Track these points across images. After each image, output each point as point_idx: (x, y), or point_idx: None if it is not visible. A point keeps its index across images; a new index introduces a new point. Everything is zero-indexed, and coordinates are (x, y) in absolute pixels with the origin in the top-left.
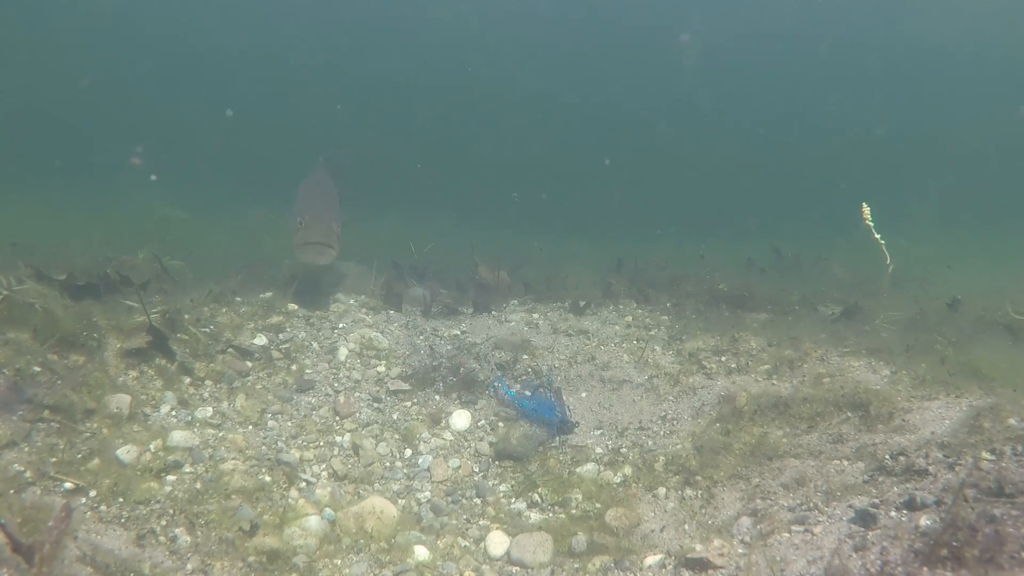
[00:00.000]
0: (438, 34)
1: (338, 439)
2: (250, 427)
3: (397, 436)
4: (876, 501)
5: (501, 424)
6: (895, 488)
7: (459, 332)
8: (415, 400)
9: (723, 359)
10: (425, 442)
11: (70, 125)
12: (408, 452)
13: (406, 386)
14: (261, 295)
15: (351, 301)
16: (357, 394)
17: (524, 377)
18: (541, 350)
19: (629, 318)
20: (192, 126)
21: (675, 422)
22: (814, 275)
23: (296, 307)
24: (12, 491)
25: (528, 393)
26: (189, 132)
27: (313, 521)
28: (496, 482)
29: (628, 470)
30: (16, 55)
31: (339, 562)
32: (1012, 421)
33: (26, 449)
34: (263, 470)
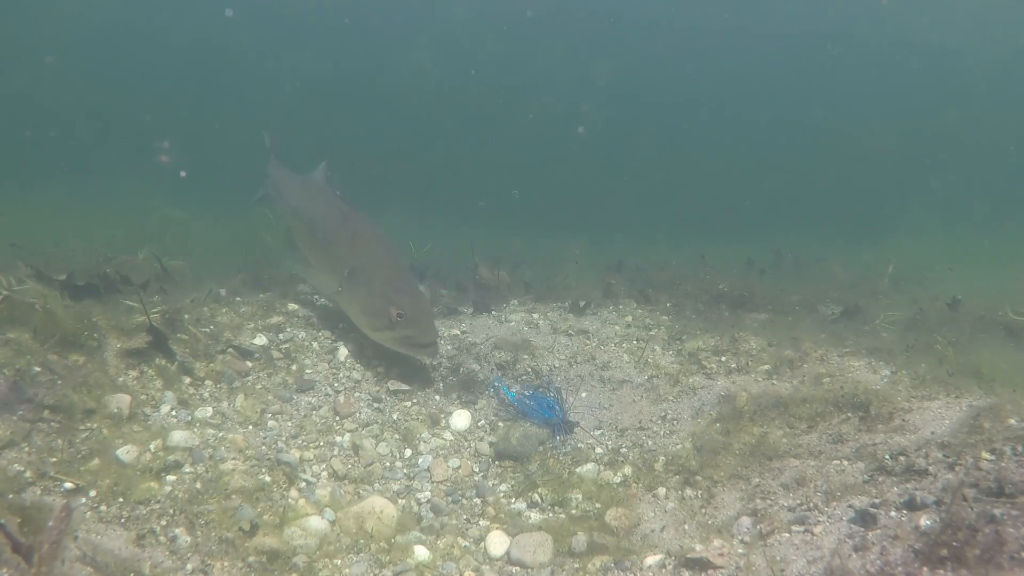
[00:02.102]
0: (437, 33)
1: (338, 439)
2: (250, 427)
3: (397, 436)
4: (876, 501)
5: (501, 424)
6: (895, 488)
7: (459, 332)
8: (415, 400)
9: (723, 359)
10: (425, 442)
11: (69, 124)
12: (408, 452)
13: (406, 386)
14: (261, 295)
15: None
16: (357, 394)
17: (524, 377)
18: (541, 350)
19: (629, 318)
20: (192, 124)
21: (675, 422)
22: (814, 275)
23: (296, 307)
24: (12, 491)
25: (528, 393)
26: (188, 131)
27: (313, 521)
28: (496, 482)
29: (628, 470)
30: (15, 54)
31: (339, 562)
32: (1012, 421)
33: (26, 449)
34: (263, 470)
